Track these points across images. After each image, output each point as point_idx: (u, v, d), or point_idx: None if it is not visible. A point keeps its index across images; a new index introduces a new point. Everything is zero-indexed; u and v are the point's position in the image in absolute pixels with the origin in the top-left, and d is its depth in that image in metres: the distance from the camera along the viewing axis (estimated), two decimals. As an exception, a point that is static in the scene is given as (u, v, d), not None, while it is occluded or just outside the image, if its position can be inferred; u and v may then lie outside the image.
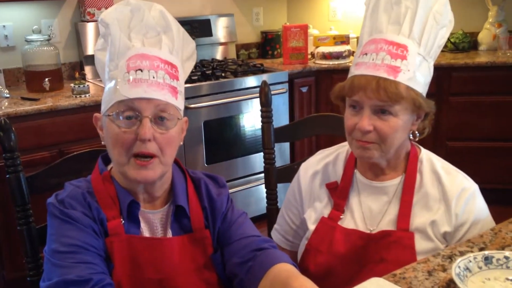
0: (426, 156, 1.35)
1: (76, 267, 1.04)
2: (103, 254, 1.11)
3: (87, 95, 2.71)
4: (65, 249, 1.07)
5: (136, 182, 1.13)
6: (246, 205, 3.21)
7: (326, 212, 1.37)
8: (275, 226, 1.54)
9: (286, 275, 1.07)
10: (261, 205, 2.90)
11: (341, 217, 1.35)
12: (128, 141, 1.09)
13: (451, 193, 1.28)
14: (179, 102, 1.16)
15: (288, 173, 1.64)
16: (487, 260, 1.08)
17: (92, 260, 1.07)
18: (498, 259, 1.08)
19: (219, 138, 3.10)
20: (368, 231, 1.32)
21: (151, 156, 1.10)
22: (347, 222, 1.34)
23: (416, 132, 1.31)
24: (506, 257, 1.08)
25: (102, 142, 1.18)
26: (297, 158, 3.39)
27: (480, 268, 1.07)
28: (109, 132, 1.12)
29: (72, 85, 2.74)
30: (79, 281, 1.02)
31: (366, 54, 1.24)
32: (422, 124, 1.31)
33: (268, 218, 1.73)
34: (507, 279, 1.06)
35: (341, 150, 1.43)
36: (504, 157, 3.33)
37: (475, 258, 1.08)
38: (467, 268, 1.05)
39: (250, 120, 3.18)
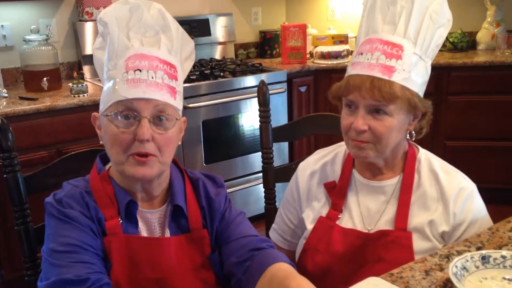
0: (424, 155, 1.35)
1: (74, 267, 1.04)
2: (101, 253, 1.11)
3: (85, 94, 2.71)
4: (63, 248, 1.07)
5: (134, 179, 1.12)
6: (245, 205, 3.21)
7: (324, 212, 1.37)
8: (273, 225, 1.54)
9: (283, 275, 1.07)
10: (260, 205, 2.90)
11: (339, 216, 1.35)
12: (126, 141, 1.09)
13: (449, 193, 1.28)
14: (178, 103, 1.16)
15: (286, 173, 1.64)
16: (484, 259, 1.08)
17: (90, 260, 1.07)
18: (495, 259, 1.08)
19: (218, 138, 3.10)
20: (366, 231, 1.32)
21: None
22: (345, 221, 1.34)
23: (413, 132, 1.31)
24: (503, 257, 1.08)
25: (100, 142, 1.17)
26: (296, 157, 3.39)
27: (477, 267, 1.07)
28: (107, 132, 1.12)
29: (70, 84, 2.73)
30: (77, 281, 1.02)
31: (361, 54, 1.25)
32: (419, 124, 1.31)
33: (266, 217, 1.73)
34: (504, 278, 1.06)
35: (339, 149, 1.43)
36: (502, 157, 3.33)
37: (472, 257, 1.08)
38: (464, 268, 1.05)
39: (249, 119, 3.17)
